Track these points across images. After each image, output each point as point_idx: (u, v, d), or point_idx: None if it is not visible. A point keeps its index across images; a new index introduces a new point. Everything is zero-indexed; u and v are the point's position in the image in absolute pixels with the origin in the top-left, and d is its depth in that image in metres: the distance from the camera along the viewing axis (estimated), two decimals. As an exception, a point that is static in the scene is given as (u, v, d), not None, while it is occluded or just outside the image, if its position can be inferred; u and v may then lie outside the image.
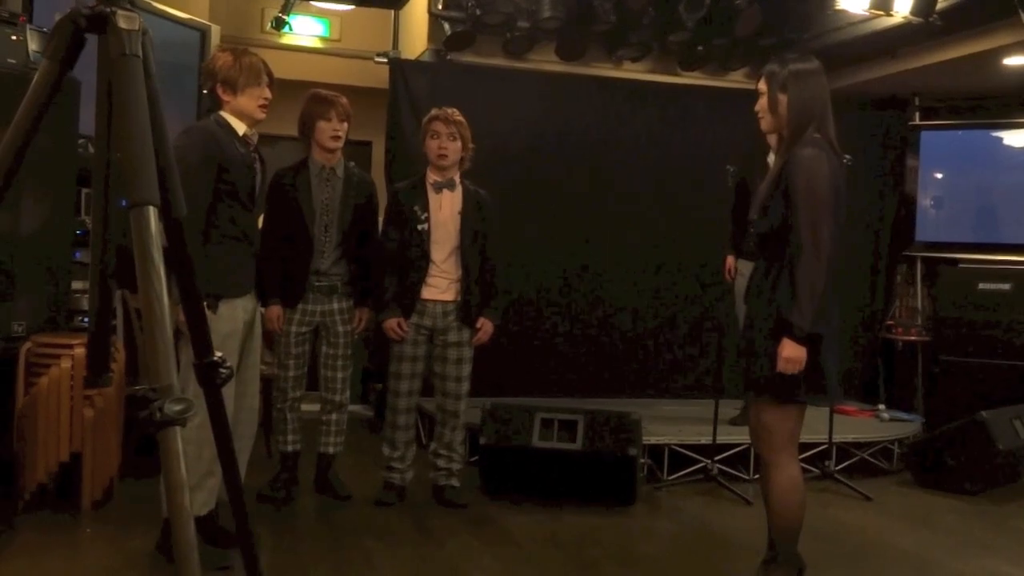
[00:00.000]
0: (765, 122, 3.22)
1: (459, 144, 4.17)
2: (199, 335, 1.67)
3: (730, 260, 5.40)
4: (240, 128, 3.39)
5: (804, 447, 5.04)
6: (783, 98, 3.11)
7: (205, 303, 2.74)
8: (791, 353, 2.93)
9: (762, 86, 3.22)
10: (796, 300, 2.95)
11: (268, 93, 3.42)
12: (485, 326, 4.23)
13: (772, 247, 3.10)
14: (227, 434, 1.75)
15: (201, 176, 3.20)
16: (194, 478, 3.13)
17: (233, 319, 3.33)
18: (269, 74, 3.42)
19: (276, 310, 4.10)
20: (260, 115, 3.42)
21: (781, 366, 2.94)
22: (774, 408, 3.06)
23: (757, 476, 4.97)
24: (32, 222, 3.92)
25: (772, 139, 5.20)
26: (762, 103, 3.20)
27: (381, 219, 4.45)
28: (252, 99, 3.37)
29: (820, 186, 2.98)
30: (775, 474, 3.10)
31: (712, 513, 4.47)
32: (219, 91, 3.37)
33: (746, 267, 5.35)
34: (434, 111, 4.24)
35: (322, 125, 4.11)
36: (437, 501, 4.30)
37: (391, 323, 4.12)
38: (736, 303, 5.39)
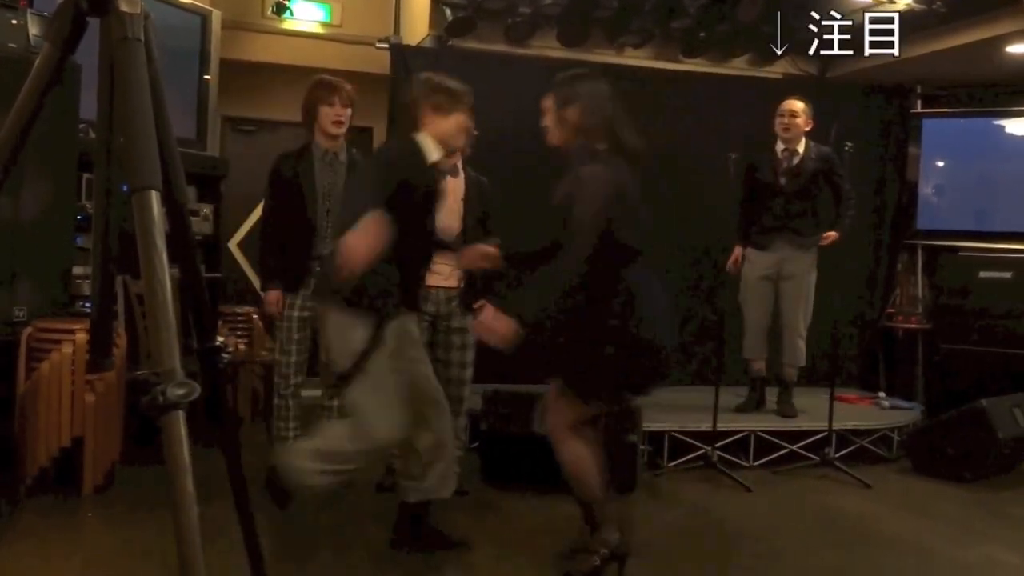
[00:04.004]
0: (552, 135, 3.26)
1: (465, 132, 4.16)
2: (200, 321, 1.67)
3: (738, 250, 5.38)
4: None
5: (804, 434, 5.08)
6: (568, 112, 3.18)
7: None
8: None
9: (547, 102, 3.26)
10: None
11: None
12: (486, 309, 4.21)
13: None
14: (226, 419, 1.75)
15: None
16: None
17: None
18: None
19: (275, 294, 4.10)
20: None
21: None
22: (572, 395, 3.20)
23: (757, 463, 5.01)
24: (33, 207, 3.92)
25: (779, 128, 5.21)
26: (549, 118, 3.25)
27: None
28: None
29: (594, 204, 3.08)
30: (562, 449, 3.21)
31: (712, 499, 4.48)
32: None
33: (754, 255, 5.35)
34: (438, 98, 4.21)
35: (325, 110, 4.12)
36: (437, 487, 4.31)
37: (392, 309, 4.11)
38: (744, 290, 5.39)
